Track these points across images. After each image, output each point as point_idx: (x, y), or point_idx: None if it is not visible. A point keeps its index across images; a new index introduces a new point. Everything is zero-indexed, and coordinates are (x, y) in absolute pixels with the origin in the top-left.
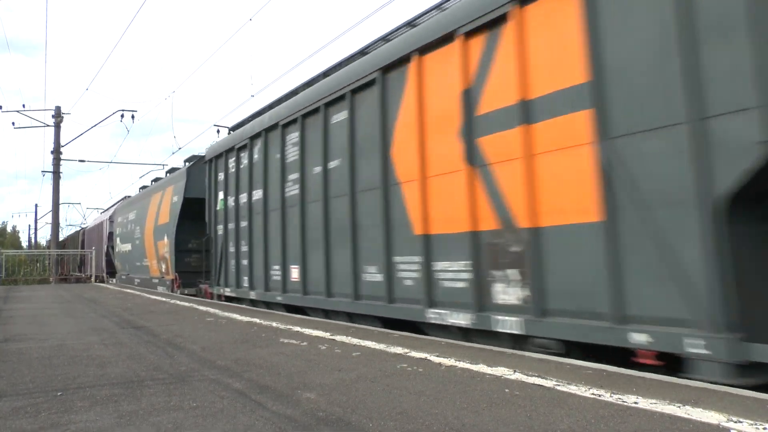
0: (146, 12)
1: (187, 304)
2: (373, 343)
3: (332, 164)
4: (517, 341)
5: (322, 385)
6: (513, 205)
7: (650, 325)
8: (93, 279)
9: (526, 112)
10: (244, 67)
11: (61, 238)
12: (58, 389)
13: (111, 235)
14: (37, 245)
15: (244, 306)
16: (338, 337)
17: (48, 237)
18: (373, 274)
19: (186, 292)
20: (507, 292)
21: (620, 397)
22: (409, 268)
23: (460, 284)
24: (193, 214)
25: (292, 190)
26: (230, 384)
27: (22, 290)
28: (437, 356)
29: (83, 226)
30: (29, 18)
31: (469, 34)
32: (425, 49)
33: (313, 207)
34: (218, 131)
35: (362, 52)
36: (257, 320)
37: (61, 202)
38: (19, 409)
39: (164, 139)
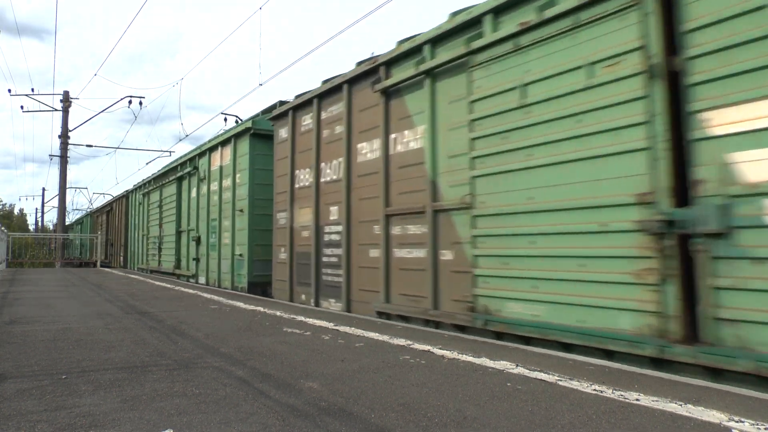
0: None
1: (191, 291)
2: (376, 334)
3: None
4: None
5: (325, 375)
6: None
7: None
8: (98, 264)
9: None
10: (253, 56)
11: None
12: (62, 372)
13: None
14: (44, 229)
15: (248, 294)
16: (341, 328)
17: (55, 221)
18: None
19: None
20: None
21: (622, 393)
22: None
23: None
24: None
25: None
26: (233, 372)
27: (29, 273)
28: (440, 348)
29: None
30: (44, 2)
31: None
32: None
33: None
34: (225, 119)
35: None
36: (261, 309)
37: (68, 186)
38: (24, 391)
39: (172, 125)
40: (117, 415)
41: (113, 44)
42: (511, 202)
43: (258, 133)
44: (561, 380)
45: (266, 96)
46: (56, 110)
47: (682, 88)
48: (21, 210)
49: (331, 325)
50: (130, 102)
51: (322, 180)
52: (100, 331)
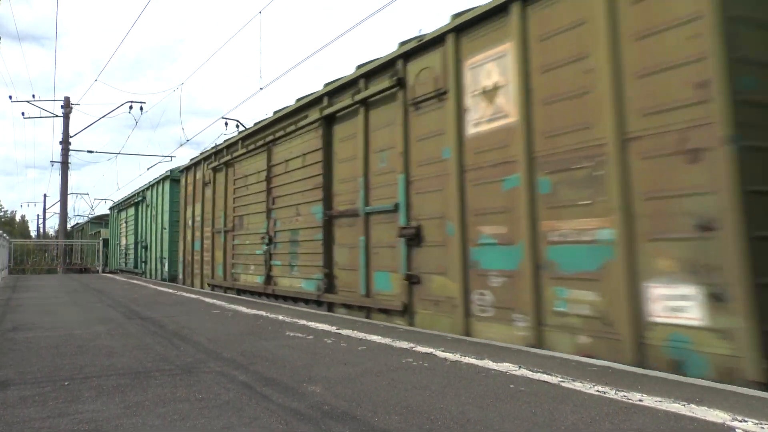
0: (156, 3)
1: (193, 296)
2: (379, 337)
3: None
4: None
5: (328, 379)
6: None
7: None
8: (101, 270)
9: None
10: (253, 60)
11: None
12: (65, 378)
13: None
14: (45, 235)
15: (250, 299)
16: (344, 331)
17: (56, 227)
18: None
19: None
20: None
21: (625, 394)
22: None
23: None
24: None
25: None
26: (236, 376)
27: (31, 279)
28: (443, 351)
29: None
30: (45, 8)
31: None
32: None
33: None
34: (226, 124)
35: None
36: (263, 313)
37: (69, 192)
38: (27, 397)
39: (173, 130)
40: (120, 421)
41: (114, 49)
42: None
43: None
44: (564, 381)
45: (266, 99)
46: (57, 116)
47: None
48: (23, 216)
49: (333, 329)
50: (130, 107)
51: None
52: (102, 336)
